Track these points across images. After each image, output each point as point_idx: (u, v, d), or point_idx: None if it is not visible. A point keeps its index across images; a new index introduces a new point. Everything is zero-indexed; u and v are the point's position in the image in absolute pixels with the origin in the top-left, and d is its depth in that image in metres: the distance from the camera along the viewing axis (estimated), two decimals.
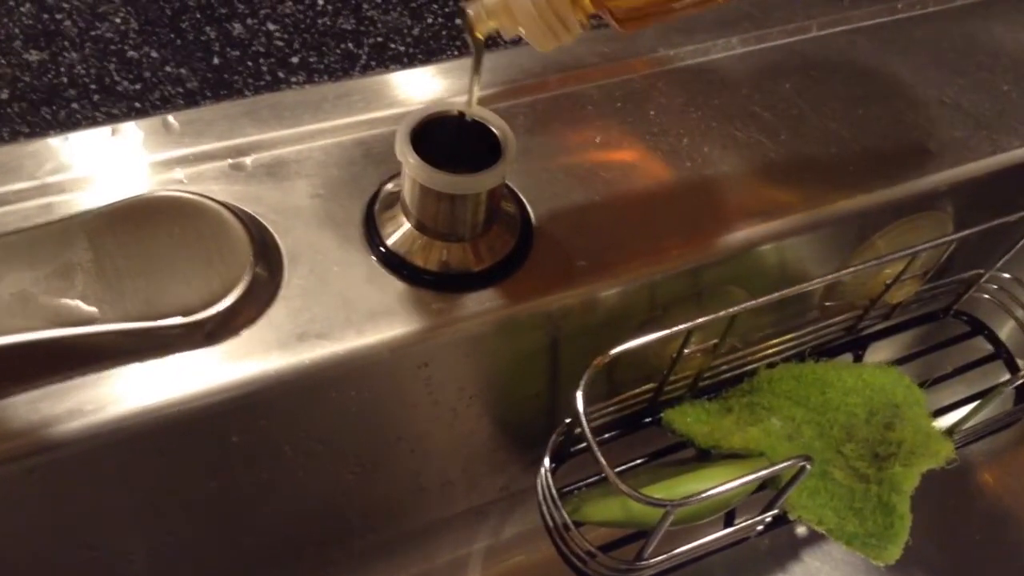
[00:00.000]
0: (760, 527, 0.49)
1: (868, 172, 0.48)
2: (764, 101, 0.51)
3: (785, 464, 0.41)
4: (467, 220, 0.40)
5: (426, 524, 0.55)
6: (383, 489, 0.49)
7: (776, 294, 0.44)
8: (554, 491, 0.45)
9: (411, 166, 0.37)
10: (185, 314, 0.36)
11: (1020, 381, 0.55)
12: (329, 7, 0.52)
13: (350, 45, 0.50)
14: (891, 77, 0.54)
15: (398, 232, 0.41)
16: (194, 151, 0.43)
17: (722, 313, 0.43)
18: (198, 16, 0.50)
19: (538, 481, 0.47)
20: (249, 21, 0.50)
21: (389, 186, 0.43)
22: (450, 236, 0.40)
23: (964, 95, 0.54)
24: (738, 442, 0.48)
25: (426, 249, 0.40)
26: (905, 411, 0.49)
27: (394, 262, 0.40)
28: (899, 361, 0.57)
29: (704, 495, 0.40)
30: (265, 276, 0.39)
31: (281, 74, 0.48)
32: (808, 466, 0.42)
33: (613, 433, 0.51)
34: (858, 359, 0.58)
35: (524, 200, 0.44)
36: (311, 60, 0.49)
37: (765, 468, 0.42)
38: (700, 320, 0.43)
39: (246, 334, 0.38)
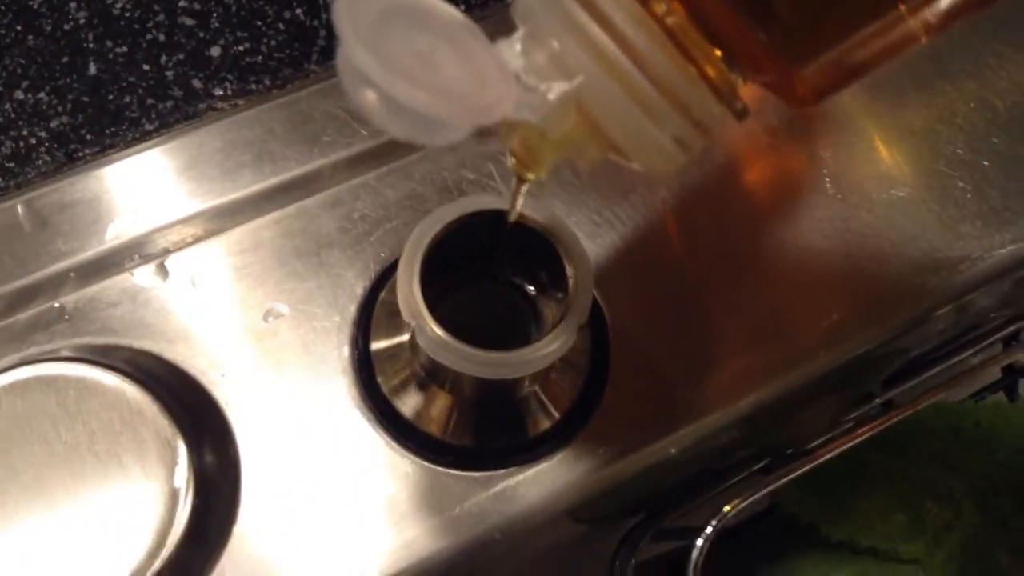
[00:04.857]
0: None
1: None
2: None
3: None
4: (515, 387, 0.26)
5: None
6: None
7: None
8: None
9: (425, 338, 0.22)
10: None
11: None
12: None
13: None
14: None
15: (411, 387, 0.27)
16: (76, 261, 0.28)
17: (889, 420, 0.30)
18: None
19: None
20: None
21: (386, 295, 0.28)
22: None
23: None
24: (881, 538, 0.36)
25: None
26: None
27: (411, 434, 0.26)
28: None
29: None
30: (212, 489, 0.26)
31: (197, 83, 0.31)
32: None
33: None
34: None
35: (596, 294, 0.29)
36: (241, 55, 0.32)
37: None
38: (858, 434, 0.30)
39: None
